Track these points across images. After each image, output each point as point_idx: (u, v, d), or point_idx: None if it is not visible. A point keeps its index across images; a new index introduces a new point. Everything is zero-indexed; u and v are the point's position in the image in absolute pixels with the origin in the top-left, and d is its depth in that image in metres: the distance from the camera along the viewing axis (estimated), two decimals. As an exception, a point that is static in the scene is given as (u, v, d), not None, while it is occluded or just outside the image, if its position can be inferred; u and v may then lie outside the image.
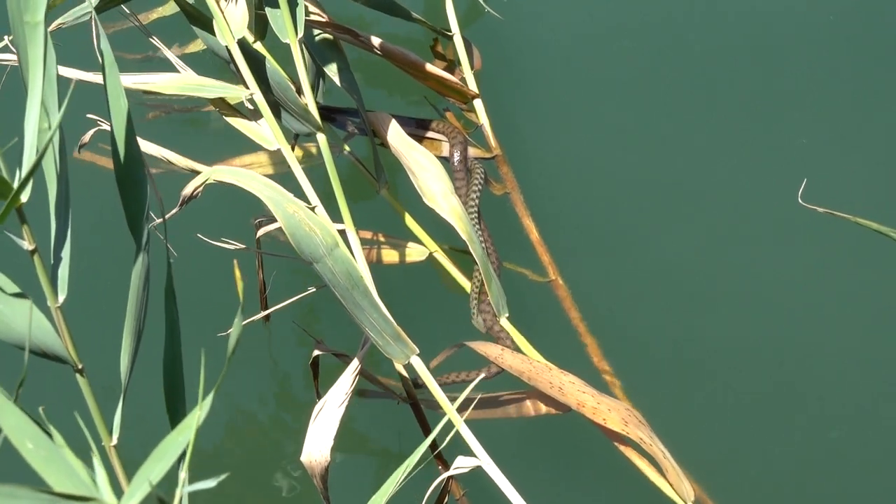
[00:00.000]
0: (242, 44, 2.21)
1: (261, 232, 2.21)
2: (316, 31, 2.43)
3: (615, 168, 2.72)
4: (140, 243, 1.40)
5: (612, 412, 2.18)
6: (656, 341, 2.51)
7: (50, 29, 2.16)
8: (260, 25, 2.30)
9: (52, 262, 1.33)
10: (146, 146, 2.24)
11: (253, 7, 2.24)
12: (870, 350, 2.50)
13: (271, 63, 2.22)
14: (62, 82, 1.94)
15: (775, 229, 2.63)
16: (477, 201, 2.49)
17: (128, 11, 2.30)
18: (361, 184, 2.52)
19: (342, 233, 2.17)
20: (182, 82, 2.23)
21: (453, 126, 2.62)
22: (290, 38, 2.18)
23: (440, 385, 2.16)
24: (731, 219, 2.65)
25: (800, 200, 1.74)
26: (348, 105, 2.53)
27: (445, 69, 2.63)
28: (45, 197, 1.36)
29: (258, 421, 2.48)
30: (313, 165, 2.51)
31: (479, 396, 2.29)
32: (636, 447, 2.22)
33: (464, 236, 2.28)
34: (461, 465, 1.99)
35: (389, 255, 2.46)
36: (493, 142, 2.64)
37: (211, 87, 2.22)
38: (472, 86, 2.65)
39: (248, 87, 2.21)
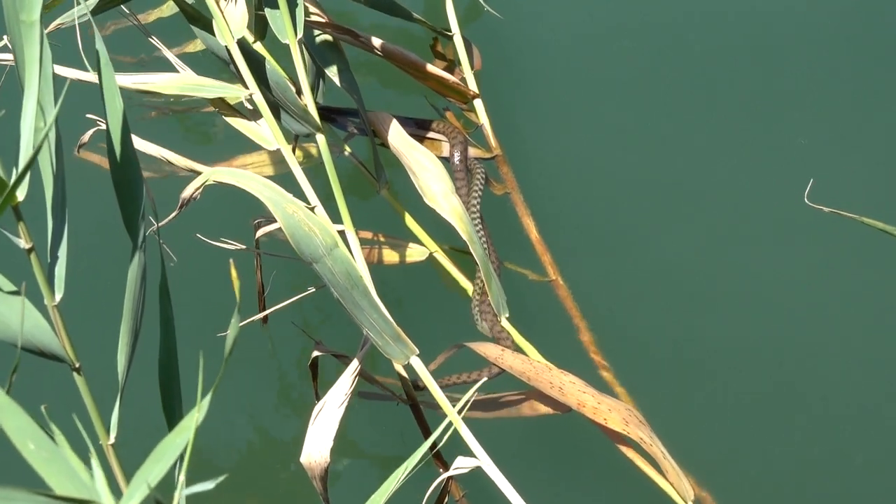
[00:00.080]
0: (242, 44, 2.21)
1: (260, 232, 2.21)
2: (316, 32, 2.43)
3: (615, 168, 2.72)
4: (136, 242, 1.40)
5: (612, 412, 2.18)
6: (656, 341, 2.51)
7: (49, 29, 2.17)
8: (260, 25, 2.30)
9: (48, 260, 1.33)
10: (146, 147, 2.24)
11: (253, 7, 2.24)
12: (870, 350, 2.49)
13: (271, 64, 2.22)
14: (60, 82, 1.94)
15: (775, 229, 2.63)
16: (478, 204, 2.49)
17: (127, 11, 2.30)
18: (362, 184, 2.52)
19: (342, 233, 2.17)
20: (181, 82, 2.22)
21: (453, 126, 2.62)
22: (290, 38, 2.18)
23: (441, 387, 2.15)
24: (731, 219, 2.65)
25: (806, 200, 1.74)
26: (349, 105, 2.53)
27: (445, 69, 2.63)
28: (42, 196, 1.36)
29: (257, 422, 2.48)
30: (313, 165, 2.51)
31: (479, 397, 2.29)
32: (636, 447, 2.21)
33: (464, 236, 2.27)
34: (461, 465, 1.99)
35: (389, 256, 2.45)
36: (493, 142, 2.64)
37: (210, 87, 2.22)
38: (472, 86, 2.65)
39: (247, 88, 2.21)
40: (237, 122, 2.30)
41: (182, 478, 1.18)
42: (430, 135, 2.61)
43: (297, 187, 2.16)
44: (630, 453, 2.23)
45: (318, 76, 2.49)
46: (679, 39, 2.88)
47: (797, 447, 2.41)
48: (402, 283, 2.52)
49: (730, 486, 2.32)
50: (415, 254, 2.45)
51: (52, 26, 2.19)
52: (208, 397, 1.19)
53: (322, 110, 2.51)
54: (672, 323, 2.53)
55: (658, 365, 2.49)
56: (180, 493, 1.20)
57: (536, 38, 2.89)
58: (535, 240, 2.55)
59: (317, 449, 2.06)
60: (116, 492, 1.23)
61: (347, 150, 2.51)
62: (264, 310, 2.37)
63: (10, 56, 2.19)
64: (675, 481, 2.16)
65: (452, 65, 2.72)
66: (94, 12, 2.18)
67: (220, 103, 2.31)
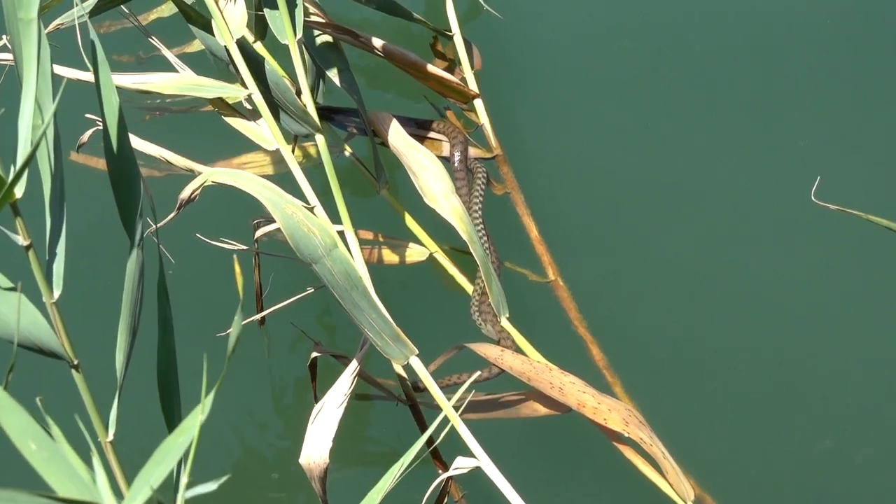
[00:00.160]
0: (241, 44, 2.21)
1: (259, 233, 2.20)
2: (316, 32, 2.43)
3: (615, 168, 2.72)
4: (133, 240, 1.40)
5: (612, 412, 2.18)
6: (656, 341, 2.51)
7: (48, 30, 2.17)
8: (260, 25, 2.30)
9: (47, 257, 1.33)
10: (145, 146, 2.24)
11: (253, 7, 2.24)
12: (870, 350, 2.49)
13: (270, 64, 2.22)
14: (59, 81, 1.94)
15: (775, 229, 2.63)
16: (480, 204, 2.49)
17: (127, 11, 2.30)
18: (361, 183, 2.52)
19: (341, 233, 2.17)
20: (180, 82, 2.22)
21: (454, 126, 2.61)
22: (289, 39, 2.18)
23: (441, 387, 2.15)
24: (731, 219, 2.65)
25: (812, 198, 1.74)
26: (349, 105, 2.53)
27: (445, 69, 2.63)
28: (41, 193, 1.36)
29: (256, 422, 2.47)
30: (313, 165, 2.51)
31: (479, 397, 2.29)
32: (636, 447, 2.21)
33: (464, 236, 2.27)
34: (460, 465, 1.99)
35: (389, 256, 2.45)
36: (493, 141, 2.64)
37: (209, 87, 2.21)
38: (473, 85, 2.65)
39: (246, 88, 2.21)
40: (236, 122, 2.30)
41: (185, 480, 1.18)
42: (431, 134, 2.61)
43: (297, 187, 2.16)
44: (630, 453, 2.23)
45: (318, 76, 2.49)
46: (679, 39, 2.88)
47: (797, 447, 2.41)
48: (401, 283, 2.52)
49: (730, 486, 2.32)
50: (415, 254, 2.45)
51: (51, 26, 2.19)
52: (211, 396, 1.19)
53: (322, 110, 2.51)
54: (672, 323, 2.53)
55: (658, 365, 2.49)
56: (182, 495, 1.19)
57: (536, 38, 2.89)
58: (535, 240, 2.55)
59: (316, 450, 2.06)
60: (114, 489, 1.23)
61: (348, 150, 2.51)
62: (262, 310, 2.37)
63: (9, 56, 2.19)
64: (675, 481, 2.15)
65: (452, 65, 2.72)
66: (94, 12, 2.18)
67: (220, 103, 2.31)
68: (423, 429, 2.27)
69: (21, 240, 1.29)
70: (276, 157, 2.55)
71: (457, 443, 2.07)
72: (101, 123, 2.15)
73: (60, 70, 2.23)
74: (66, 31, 2.19)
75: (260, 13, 2.22)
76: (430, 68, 2.54)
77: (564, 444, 2.41)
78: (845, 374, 2.47)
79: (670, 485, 2.17)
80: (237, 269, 1.26)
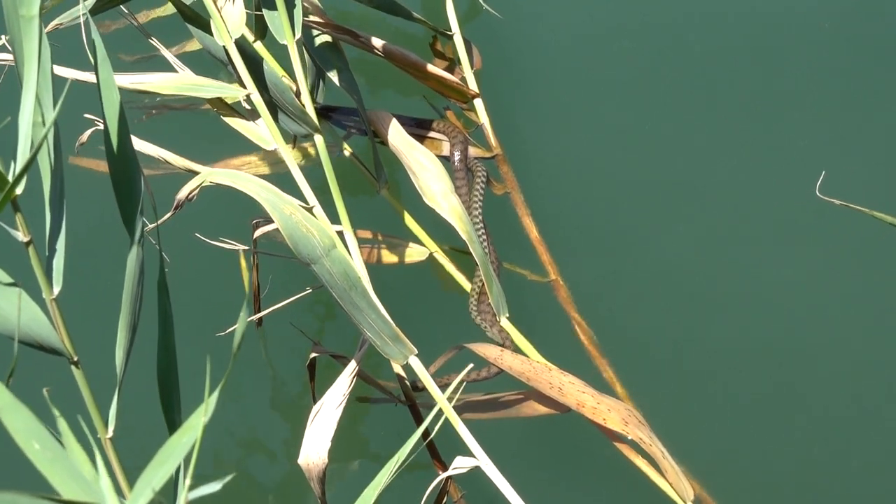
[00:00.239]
0: (240, 44, 2.20)
1: (258, 233, 2.20)
2: (315, 32, 2.43)
3: (615, 168, 2.72)
4: (134, 237, 1.40)
5: (612, 412, 2.18)
6: (656, 342, 2.51)
7: (48, 29, 2.17)
8: (260, 25, 2.30)
9: (47, 254, 1.33)
10: (144, 146, 2.23)
11: (252, 7, 2.23)
12: (870, 350, 2.49)
13: (269, 64, 2.21)
14: (60, 82, 1.94)
15: (775, 229, 2.63)
16: (480, 205, 2.49)
17: (126, 11, 2.30)
18: (361, 183, 2.52)
19: (340, 234, 2.16)
20: (179, 82, 2.22)
21: (454, 125, 2.61)
22: (288, 39, 2.17)
23: (440, 387, 2.15)
24: (731, 219, 2.65)
25: (817, 193, 1.74)
26: (348, 104, 2.53)
27: (445, 69, 2.63)
28: (40, 190, 1.36)
29: (255, 423, 2.47)
30: (313, 164, 2.50)
31: (478, 397, 2.29)
32: (636, 447, 2.21)
33: (464, 236, 2.27)
34: (459, 465, 1.99)
35: (389, 256, 2.45)
36: (493, 141, 2.64)
37: (208, 87, 2.21)
38: (473, 85, 2.65)
39: (245, 88, 2.21)
40: (235, 122, 2.30)
41: (188, 481, 1.17)
42: (431, 134, 2.61)
43: (296, 187, 2.16)
44: (630, 453, 2.23)
45: (318, 76, 2.49)
46: (679, 40, 2.88)
47: (797, 447, 2.40)
48: (401, 283, 2.52)
49: (730, 486, 2.31)
50: (414, 254, 2.45)
51: (50, 26, 2.19)
52: (215, 395, 1.18)
53: (321, 109, 2.51)
54: (672, 323, 2.53)
55: (658, 365, 2.49)
56: (185, 496, 1.19)
57: (536, 38, 2.89)
58: (535, 240, 2.54)
59: (314, 450, 2.06)
60: (114, 487, 1.23)
61: (347, 149, 2.51)
62: (260, 311, 2.36)
63: (9, 56, 2.19)
64: (674, 481, 2.15)
65: (452, 64, 2.72)
66: (93, 12, 2.18)
67: (218, 103, 2.30)
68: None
69: (21, 236, 1.28)
70: (275, 157, 2.55)
71: (456, 443, 2.07)
72: (100, 123, 2.15)
73: (60, 70, 2.22)
74: (64, 32, 2.19)
75: (258, 13, 2.22)
76: (430, 68, 2.54)
77: (564, 444, 2.41)
78: (845, 375, 2.47)
79: (670, 484, 2.17)
80: (243, 264, 1.26)
